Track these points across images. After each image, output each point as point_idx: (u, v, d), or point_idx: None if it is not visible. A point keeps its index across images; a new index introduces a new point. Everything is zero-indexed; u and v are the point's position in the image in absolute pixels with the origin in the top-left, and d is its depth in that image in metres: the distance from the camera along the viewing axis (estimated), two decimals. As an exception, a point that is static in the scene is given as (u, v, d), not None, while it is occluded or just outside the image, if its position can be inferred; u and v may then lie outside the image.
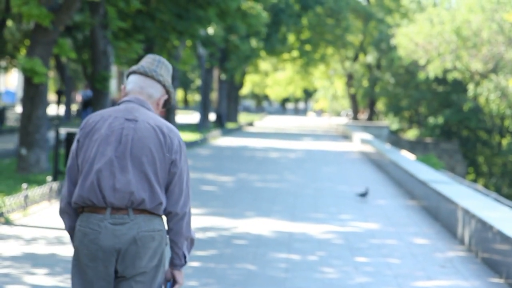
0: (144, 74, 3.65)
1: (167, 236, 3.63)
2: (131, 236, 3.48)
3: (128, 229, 3.48)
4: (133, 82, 3.66)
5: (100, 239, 3.47)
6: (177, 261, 3.63)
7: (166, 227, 3.65)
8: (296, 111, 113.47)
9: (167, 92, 3.71)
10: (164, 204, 3.55)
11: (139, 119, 3.55)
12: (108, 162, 3.49)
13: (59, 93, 40.50)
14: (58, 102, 39.60)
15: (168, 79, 3.70)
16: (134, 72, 3.68)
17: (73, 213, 3.61)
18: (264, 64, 65.73)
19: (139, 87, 3.65)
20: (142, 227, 3.50)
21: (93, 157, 3.52)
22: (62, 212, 3.63)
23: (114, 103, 19.15)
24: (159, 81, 3.67)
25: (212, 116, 46.67)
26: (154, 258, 3.53)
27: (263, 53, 48.84)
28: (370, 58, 56.99)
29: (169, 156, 3.55)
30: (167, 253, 3.74)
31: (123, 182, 3.48)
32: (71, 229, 3.64)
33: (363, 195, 13.66)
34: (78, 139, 3.59)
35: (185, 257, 3.63)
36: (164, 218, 3.66)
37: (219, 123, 42.90)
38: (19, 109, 40.85)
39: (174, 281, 3.64)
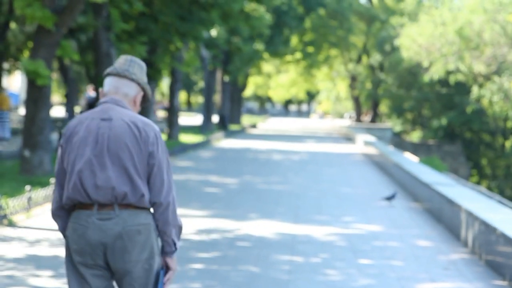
0: (117, 74, 3.83)
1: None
2: (117, 231, 3.64)
3: (114, 224, 3.64)
4: (108, 83, 3.85)
5: (88, 234, 3.65)
6: (168, 249, 3.78)
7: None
8: (299, 113, 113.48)
9: (143, 89, 3.87)
10: (147, 195, 3.69)
11: (114, 117, 3.72)
12: (87, 162, 3.67)
13: (68, 96, 40.53)
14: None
15: (142, 77, 3.86)
16: (108, 74, 3.86)
17: (64, 214, 3.81)
18: (267, 66, 65.74)
19: (115, 88, 3.82)
20: (127, 222, 3.65)
21: (73, 159, 3.70)
22: (53, 215, 3.84)
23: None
24: (132, 80, 3.83)
25: (215, 118, 46.70)
26: (143, 251, 3.68)
27: (266, 55, 48.86)
28: (373, 59, 56.95)
29: (145, 148, 3.69)
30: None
31: (104, 178, 3.65)
32: (64, 230, 3.84)
33: (390, 198, 13.52)
34: (61, 144, 3.78)
35: (175, 244, 3.78)
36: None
37: (222, 125, 42.92)
38: (22, 111, 40.86)
39: (167, 268, 3.79)
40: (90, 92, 25.00)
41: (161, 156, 3.72)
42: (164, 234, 3.75)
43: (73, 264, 3.73)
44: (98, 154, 3.68)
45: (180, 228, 3.80)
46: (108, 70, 3.87)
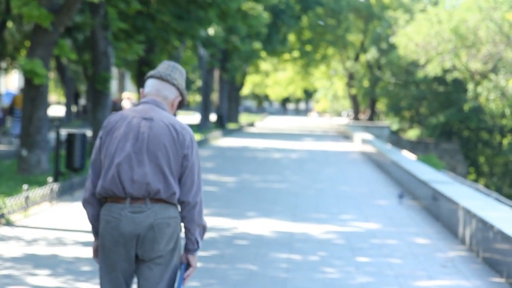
0: (160, 78, 4.07)
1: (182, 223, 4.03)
2: (148, 223, 3.88)
3: (146, 217, 3.88)
4: (150, 85, 4.09)
5: (121, 226, 3.88)
6: (191, 246, 4.01)
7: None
8: (297, 112, 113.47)
9: (181, 94, 4.12)
10: (178, 193, 3.94)
11: (155, 118, 3.96)
12: (127, 157, 3.90)
13: (76, 96, 40.59)
14: (76, 104, 39.72)
15: (181, 83, 4.11)
16: (151, 77, 4.10)
17: (96, 203, 4.01)
18: (265, 65, 65.67)
19: (156, 90, 4.07)
20: (158, 214, 3.90)
21: (113, 153, 3.93)
22: (85, 202, 4.04)
23: (115, 104, 19.14)
24: (173, 84, 4.08)
25: (213, 117, 46.67)
26: (170, 242, 3.93)
27: (263, 54, 48.82)
28: (370, 56, 56.88)
29: (181, 151, 3.94)
30: (183, 240, 4.08)
31: (140, 174, 3.88)
32: (93, 218, 4.04)
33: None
34: (101, 136, 4.00)
35: (197, 243, 4.01)
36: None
37: (220, 123, 42.89)
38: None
39: (188, 265, 4.02)
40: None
41: (194, 159, 3.98)
42: (188, 232, 3.99)
43: (106, 254, 3.93)
44: (137, 151, 3.91)
45: (204, 228, 4.03)
46: (152, 72, 4.09)
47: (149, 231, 3.88)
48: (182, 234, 4.05)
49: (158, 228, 3.89)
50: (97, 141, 4.02)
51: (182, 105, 4.16)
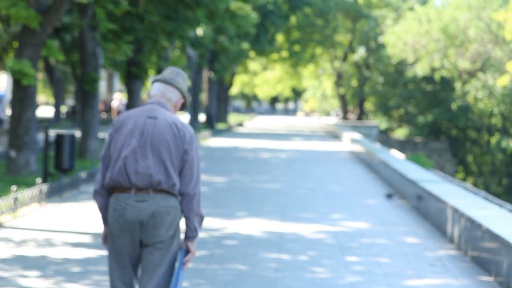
0: (165, 81, 4.54)
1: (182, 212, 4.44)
2: (151, 211, 4.33)
3: (149, 205, 4.32)
4: (156, 88, 4.56)
5: (127, 214, 4.32)
6: (190, 234, 4.45)
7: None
8: (286, 111, 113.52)
9: (183, 96, 4.58)
10: (178, 185, 4.37)
11: (158, 116, 4.41)
12: (132, 151, 4.35)
13: (55, 95, 40.42)
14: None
15: (184, 86, 4.57)
16: (157, 80, 4.57)
17: (105, 193, 4.45)
18: (253, 64, 65.64)
19: (161, 92, 4.54)
20: (160, 204, 4.34)
21: (120, 147, 4.38)
22: (95, 193, 4.48)
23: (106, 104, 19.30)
24: (176, 88, 4.55)
25: (202, 117, 46.66)
26: (170, 229, 4.37)
27: (252, 54, 48.82)
28: (358, 56, 56.95)
29: (182, 146, 4.38)
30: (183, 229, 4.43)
31: (144, 166, 4.33)
32: (102, 208, 4.48)
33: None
34: (110, 133, 4.46)
35: (196, 230, 4.44)
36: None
37: (209, 123, 42.86)
38: (8, 111, 40.72)
39: (187, 251, 4.44)
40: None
41: (194, 154, 4.42)
42: (187, 220, 4.43)
43: (112, 238, 4.37)
44: (142, 146, 4.36)
45: (202, 218, 4.47)
46: (157, 77, 4.56)
47: (151, 219, 4.31)
48: (182, 223, 4.43)
49: (159, 215, 4.32)
50: (107, 138, 4.47)
51: (185, 106, 4.60)
